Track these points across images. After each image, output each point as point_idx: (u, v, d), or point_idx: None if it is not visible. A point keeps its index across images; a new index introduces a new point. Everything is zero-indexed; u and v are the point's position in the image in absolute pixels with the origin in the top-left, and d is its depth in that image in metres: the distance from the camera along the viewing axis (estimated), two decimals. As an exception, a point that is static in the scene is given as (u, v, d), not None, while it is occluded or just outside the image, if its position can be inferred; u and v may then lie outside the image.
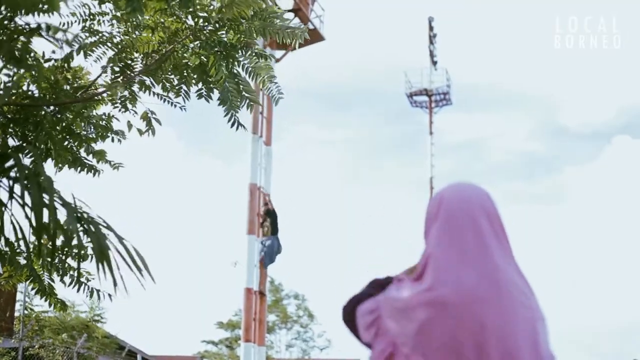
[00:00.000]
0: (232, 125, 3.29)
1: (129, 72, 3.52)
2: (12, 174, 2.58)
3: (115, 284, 2.42)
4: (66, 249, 3.78)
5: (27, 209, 2.60)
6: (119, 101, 3.70)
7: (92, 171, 4.09)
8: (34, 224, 2.62)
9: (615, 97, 58.72)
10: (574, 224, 56.70)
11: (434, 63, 30.68)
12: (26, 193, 2.47)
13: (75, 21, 3.55)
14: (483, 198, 1.74)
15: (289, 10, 15.44)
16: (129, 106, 3.71)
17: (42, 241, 3.33)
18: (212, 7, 3.07)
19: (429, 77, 30.47)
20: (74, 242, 3.70)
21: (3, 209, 2.69)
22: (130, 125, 3.87)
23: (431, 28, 30.93)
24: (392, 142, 61.48)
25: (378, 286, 1.88)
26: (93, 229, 2.39)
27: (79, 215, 2.38)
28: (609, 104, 60.97)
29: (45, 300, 3.87)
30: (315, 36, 16.39)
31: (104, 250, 2.36)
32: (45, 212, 2.37)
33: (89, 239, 2.42)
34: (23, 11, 3.13)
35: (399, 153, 63.95)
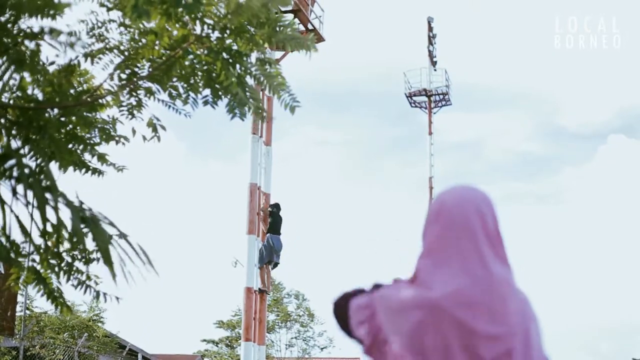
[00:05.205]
0: (233, 117, 3.28)
1: (135, 80, 3.54)
2: (15, 174, 2.61)
3: (123, 277, 2.44)
4: (73, 252, 3.80)
5: (30, 210, 2.63)
6: (126, 108, 3.73)
7: (96, 173, 4.12)
8: (38, 224, 2.66)
9: (615, 97, 58.75)
10: (573, 223, 56.73)
11: (434, 63, 30.68)
12: (30, 193, 2.50)
13: (83, 29, 3.59)
14: (480, 201, 1.75)
15: (289, 11, 15.44)
16: (135, 113, 3.73)
17: (48, 243, 3.36)
18: (218, 13, 3.09)
19: (428, 78, 30.48)
20: (81, 245, 3.76)
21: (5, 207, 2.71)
22: (134, 132, 3.90)
23: (430, 28, 30.92)
24: (391, 143, 61.56)
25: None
26: (96, 228, 2.41)
27: (83, 215, 2.40)
28: (608, 104, 61.00)
29: (52, 303, 3.88)
30: (314, 37, 16.42)
31: (108, 249, 2.38)
32: (50, 213, 2.40)
33: (94, 241, 2.44)
34: (27, 14, 3.17)
35: (399, 153, 64.03)
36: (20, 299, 17.11)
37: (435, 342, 1.64)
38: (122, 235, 2.50)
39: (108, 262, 2.33)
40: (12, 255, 3.34)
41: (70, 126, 3.81)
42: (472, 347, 1.63)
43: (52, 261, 3.81)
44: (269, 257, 14.43)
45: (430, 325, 1.65)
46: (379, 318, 1.76)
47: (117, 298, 3.91)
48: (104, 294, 3.91)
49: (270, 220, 14.63)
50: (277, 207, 14.89)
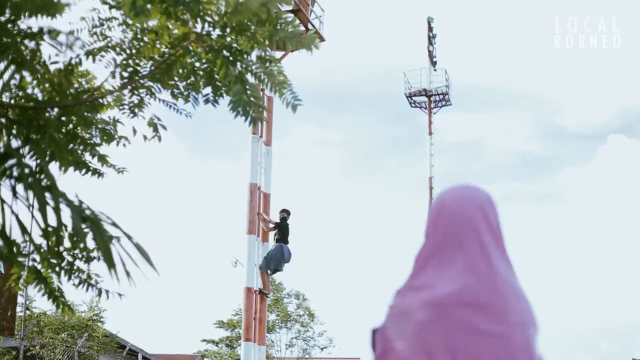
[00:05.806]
0: (237, 116, 3.23)
1: (137, 78, 3.53)
2: (15, 173, 2.61)
3: (128, 276, 2.44)
4: (74, 252, 3.80)
5: (31, 210, 2.63)
6: (127, 108, 3.72)
7: (96, 174, 4.12)
8: (39, 224, 2.65)
9: (615, 97, 58.79)
10: (573, 223, 56.73)
11: (433, 63, 30.68)
12: (30, 193, 2.49)
13: (85, 27, 3.58)
14: (483, 200, 1.75)
15: (289, 11, 15.44)
16: (137, 112, 3.73)
17: (49, 243, 3.36)
18: (218, 11, 3.09)
19: (428, 78, 30.48)
20: (81, 244, 3.77)
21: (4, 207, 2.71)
22: (135, 131, 3.89)
23: (430, 29, 30.92)
24: (391, 143, 61.61)
25: None
26: (97, 227, 2.40)
27: (84, 215, 2.40)
28: (608, 104, 61.04)
29: (53, 303, 3.89)
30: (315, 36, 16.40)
31: (109, 248, 2.38)
32: (51, 213, 2.40)
33: (94, 240, 2.44)
34: (27, 14, 3.16)
35: (399, 153, 64.08)
36: (20, 299, 17.12)
37: (440, 341, 1.64)
38: (123, 235, 2.49)
39: (109, 261, 2.33)
40: (13, 255, 3.34)
41: (71, 126, 3.80)
42: (476, 347, 1.63)
43: (53, 261, 3.81)
44: (277, 265, 14.27)
45: (435, 325, 1.65)
46: (388, 330, 1.76)
47: (120, 294, 3.92)
48: (106, 291, 3.93)
49: (280, 227, 14.44)
50: (288, 213, 14.70)
